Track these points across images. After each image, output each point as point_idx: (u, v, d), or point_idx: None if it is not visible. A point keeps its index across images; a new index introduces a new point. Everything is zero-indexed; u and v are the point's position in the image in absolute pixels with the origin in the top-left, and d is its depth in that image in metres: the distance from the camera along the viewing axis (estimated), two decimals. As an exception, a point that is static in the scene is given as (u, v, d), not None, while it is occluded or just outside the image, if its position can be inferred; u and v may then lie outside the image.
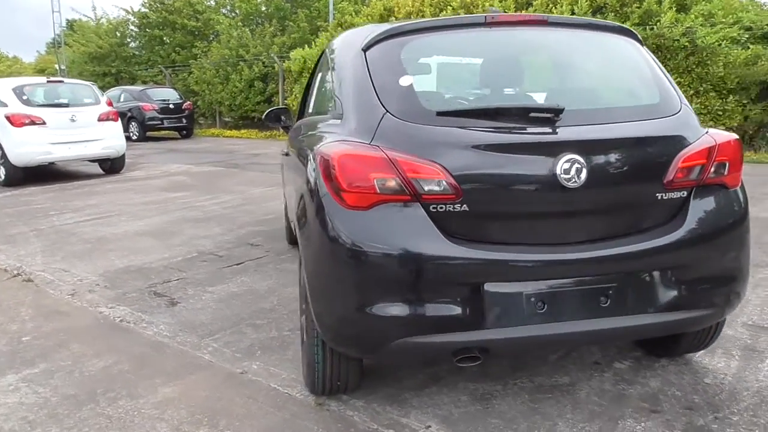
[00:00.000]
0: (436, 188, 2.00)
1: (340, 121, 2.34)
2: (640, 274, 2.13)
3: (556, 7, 13.53)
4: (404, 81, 2.21)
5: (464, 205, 2.01)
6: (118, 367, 2.87)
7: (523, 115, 2.11)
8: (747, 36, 11.13)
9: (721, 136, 2.29)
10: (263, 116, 4.37)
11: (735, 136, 2.33)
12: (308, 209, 2.25)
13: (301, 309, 2.71)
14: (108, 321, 3.47)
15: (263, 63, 19.10)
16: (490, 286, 2.03)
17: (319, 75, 3.12)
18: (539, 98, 2.32)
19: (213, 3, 25.42)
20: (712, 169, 2.22)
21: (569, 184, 2.01)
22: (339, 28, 18.60)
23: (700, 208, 2.20)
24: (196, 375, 2.77)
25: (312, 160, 2.31)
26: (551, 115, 2.09)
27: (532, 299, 2.05)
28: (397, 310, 2.02)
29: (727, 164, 2.25)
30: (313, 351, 2.29)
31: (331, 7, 20.01)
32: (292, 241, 4.97)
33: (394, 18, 17.29)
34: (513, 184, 2.05)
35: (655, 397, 2.47)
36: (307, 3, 21.52)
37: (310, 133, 2.77)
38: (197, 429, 2.33)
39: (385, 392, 2.55)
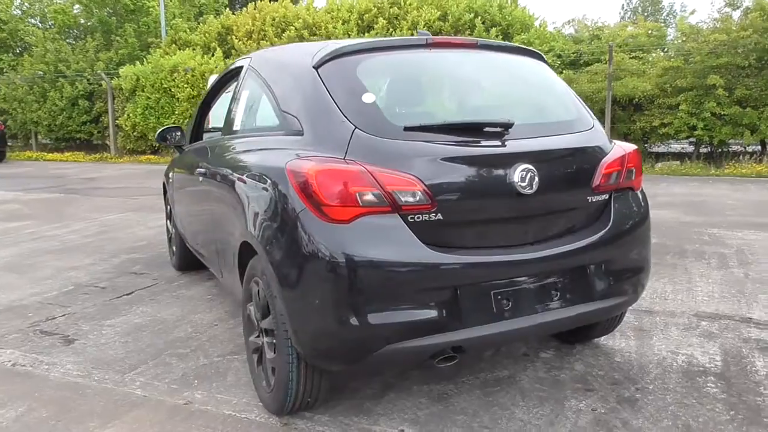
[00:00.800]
0: (413, 199, 2.10)
1: (299, 137, 2.36)
2: (580, 269, 2.41)
3: (396, 31, 14.27)
4: (367, 98, 2.29)
5: (438, 214, 2.14)
6: (35, 415, 2.57)
7: (480, 129, 2.29)
8: (559, 62, 12.62)
9: (626, 146, 2.67)
10: (156, 136, 4.13)
11: (635, 146, 2.73)
12: (278, 226, 2.23)
13: (251, 330, 2.65)
14: (-1, 367, 3.07)
15: (88, 80, 17.72)
16: (464, 289, 2.17)
17: (244, 92, 3.06)
18: (485, 114, 2.53)
19: (19, 12, 23.07)
20: (625, 175, 2.57)
21: (525, 190, 2.23)
22: (173, 45, 17.93)
23: (619, 208, 2.55)
24: (135, 412, 2.57)
25: (274, 177, 2.30)
26: (503, 129, 2.30)
27: (500, 298, 2.23)
28: (383, 318, 2.08)
29: (634, 170, 2.63)
30: (288, 368, 2.26)
31: (163, 23, 19.18)
32: (181, 266, 4.74)
33: (232, 37, 17.04)
34: (478, 193, 2.22)
35: (584, 379, 2.77)
36: (133, 17, 20.37)
37: (249, 150, 2.73)
38: (162, 466, 2.18)
39: (346, 404, 2.57)
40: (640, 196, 2.69)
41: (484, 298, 2.21)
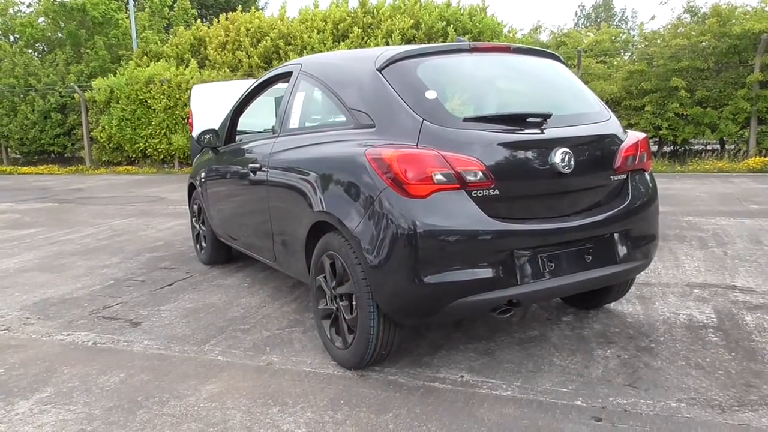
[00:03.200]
0: (476, 177, 2.55)
1: (370, 130, 2.78)
2: (607, 237, 2.88)
3: (371, 40, 14.75)
4: (430, 95, 2.73)
5: (496, 190, 2.58)
6: (138, 378, 2.91)
7: (524, 119, 2.75)
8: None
9: (638, 135, 3.17)
10: (196, 138, 4.49)
11: (645, 134, 3.22)
12: (361, 204, 2.64)
13: (321, 298, 3.05)
14: (80, 346, 3.39)
15: (60, 93, 17.68)
16: (517, 252, 2.62)
17: (299, 94, 3.46)
18: (525, 107, 2.99)
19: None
20: (639, 158, 3.07)
21: (564, 170, 2.70)
22: (144, 57, 18.02)
23: (635, 186, 3.03)
24: (227, 372, 2.93)
25: (353, 163, 2.72)
26: (542, 119, 2.77)
27: (545, 260, 2.69)
28: (453, 276, 2.51)
29: (645, 154, 3.13)
30: (369, 324, 2.66)
31: (134, 35, 19.27)
32: (211, 261, 5.08)
33: (206, 48, 17.25)
34: (526, 171, 2.68)
35: (604, 334, 3.25)
36: (102, 30, 20.36)
37: (316, 143, 3.12)
38: (269, 409, 2.56)
39: (405, 360, 2.98)
40: (650, 177, 3.18)
41: (534, 260, 2.66)
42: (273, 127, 3.70)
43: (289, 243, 3.41)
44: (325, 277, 3.01)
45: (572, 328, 3.35)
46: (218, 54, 16.57)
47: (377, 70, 2.88)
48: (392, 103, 2.74)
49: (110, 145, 16.55)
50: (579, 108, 3.09)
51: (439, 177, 2.50)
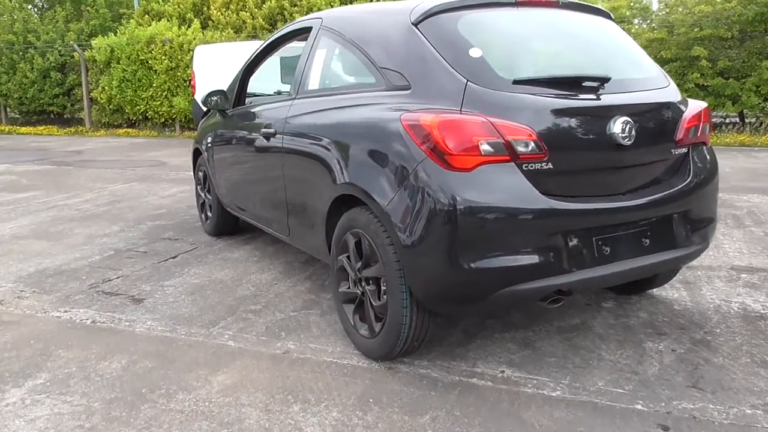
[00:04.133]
0: (528, 148, 2.22)
1: (405, 92, 2.44)
2: (666, 218, 2.57)
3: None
4: (474, 52, 2.38)
5: (549, 163, 2.26)
6: (141, 366, 2.63)
7: (579, 83, 2.41)
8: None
9: (700, 104, 2.83)
10: (203, 99, 4.14)
11: (705, 104, 2.88)
12: (394, 177, 2.32)
13: (343, 281, 2.75)
14: (78, 324, 3.10)
15: (59, 51, 17.17)
16: (571, 235, 2.30)
17: (319, 52, 3.11)
18: (579, 68, 2.63)
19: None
20: (701, 130, 2.73)
21: (624, 141, 2.37)
22: (146, 16, 17.46)
23: (696, 161, 2.71)
24: (239, 361, 2.65)
25: (385, 130, 2.39)
26: (600, 84, 2.43)
27: (600, 243, 2.38)
28: (501, 262, 2.21)
29: (707, 126, 2.79)
30: (402, 312, 2.37)
31: (136, -8, 18.65)
32: (217, 232, 4.78)
33: (209, 8, 16.69)
34: (582, 143, 2.35)
35: (653, 324, 2.96)
36: (104, -13, 19.71)
37: (340, 107, 2.78)
38: (289, 407, 2.28)
39: (437, 351, 2.70)
40: (710, 152, 2.85)
41: (588, 244, 2.35)
42: (289, 88, 3.35)
43: (307, 217, 3.10)
44: (348, 257, 2.70)
45: (616, 316, 3.06)
46: (222, 14, 16.02)
47: (412, 24, 2.53)
48: (431, 61, 2.40)
49: (110, 106, 16.12)
50: (636, 72, 2.75)
51: (486, 147, 2.18)
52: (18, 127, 17.05)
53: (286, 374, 2.52)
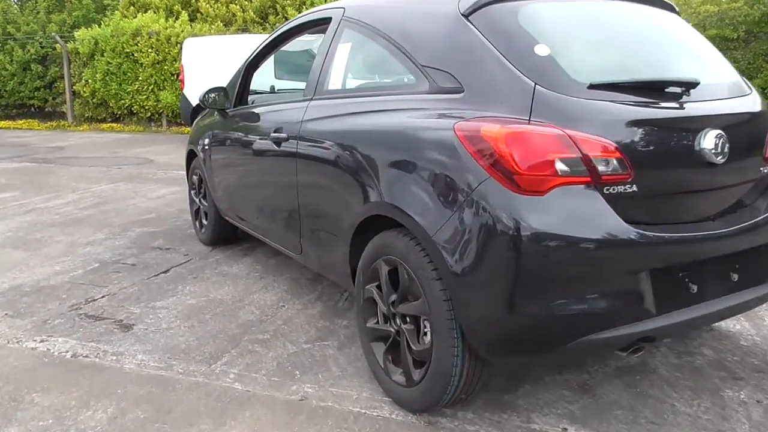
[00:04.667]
0: (612, 168, 1.83)
1: (456, 96, 2.04)
2: (758, 247, 2.19)
3: None
4: (541, 50, 1.98)
5: (634, 186, 1.87)
6: (131, 416, 2.21)
7: (662, 88, 2.03)
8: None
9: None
10: (200, 98, 3.70)
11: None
12: (444, 198, 1.92)
13: (372, 315, 2.35)
14: (56, 358, 2.67)
15: (40, 43, 16.52)
16: (658, 271, 1.92)
17: (342, 47, 2.69)
18: (660, 71, 2.22)
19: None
20: (788, 144, 2.36)
21: (717, 159, 1.99)
22: (131, 8, 16.88)
23: (786, 181, 2.33)
24: (249, 411, 2.23)
25: (431, 141, 1.99)
26: (685, 90, 2.05)
27: (687, 280, 2.00)
28: (578, 305, 1.82)
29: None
30: (451, 361, 1.97)
31: (121, -17, 18.02)
32: (213, 241, 4.35)
33: (197, 0, 16.13)
34: (670, 161, 1.97)
35: (723, 365, 2.59)
36: (87, -24, 19.07)
37: (370, 111, 2.37)
38: (315, 476, 1.88)
39: (482, 400, 2.30)
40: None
41: (675, 281, 1.97)
42: (305, 88, 2.93)
43: (325, 236, 2.69)
44: (379, 287, 2.30)
45: (677, 354, 2.68)
46: (211, 6, 15.50)
47: (462, 15, 2.12)
48: (489, 60, 2.00)
49: (94, 100, 15.52)
50: (717, 76, 2.37)
51: (562, 166, 1.78)
52: (-4, 121, 16.39)
53: (305, 429, 2.11)
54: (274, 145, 2.99)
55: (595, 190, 1.81)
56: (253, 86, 3.83)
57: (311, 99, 2.81)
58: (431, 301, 1.99)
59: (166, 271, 3.84)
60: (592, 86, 1.92)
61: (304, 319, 3.06)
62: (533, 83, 1.90)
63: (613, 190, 1.84)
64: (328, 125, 2.59)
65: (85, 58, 15.51)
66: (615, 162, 1.83)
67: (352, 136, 2.40)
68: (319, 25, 3.00)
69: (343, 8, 2.79)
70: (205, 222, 4.37)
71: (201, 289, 3.50)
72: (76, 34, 15.69)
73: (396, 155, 2.13)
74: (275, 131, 3.00)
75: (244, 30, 14.36)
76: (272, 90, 7.08)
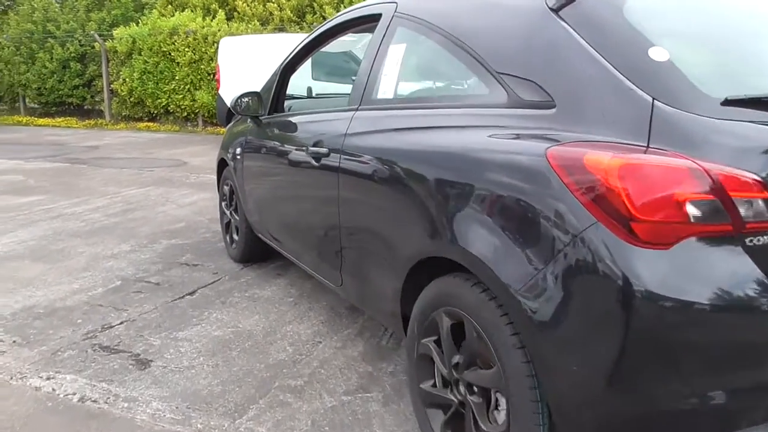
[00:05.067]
0: (757, 212, 1.39)
1: (545, 111, 1.62)
2: None
3: None
4: (657, 54, 1.55)
5: (781, 234, 1.43)
6: (139, 489, 1.85)
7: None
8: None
9: None
10: (232, 103, 3.35)
11: None
12: (535, 245, 1.50)
13: (428, 376, 1.94)
14: (61, 403, 2.33)
15: (79, 41, 16.54)
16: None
17: (395, 48, 2.29)
18: None
19: (3, -33, 21.61)
20: None
21: None
22: (169, 6, 16.78)
23: None
24: (278, 487, 1.86)
25: (512, 170, 1.58)
26: None
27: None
28: (719, 391, 1.38)
29: None
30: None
31: (160, -19, 17.96)
32: (244, 258, 3.99)
33: (236, -2, 15.94)
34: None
35: None
36: (127, -25, 19.09)
37: (430, 127, 1.97)
38: None
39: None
40: None
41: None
42: (350, 94, 2.54)
43: (372, 272, 2.30)
44: (438, 343, 1.90)
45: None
46: (248, 5, 15.28)
47: (551, 9, 1.70)
48: (590, 66, 1.57)
49: (131, 99, 15.48)
50: None
51: (695, 210, 1.35)
52: (36, 118, 16.48)
53: None
54: (313, 160, 2.61)
55: (736, 242, 1.37)
56: (289, 90, 3.47)
57: (357, 109, 2.42)
58: (509, 373, 1.58)
59: (192, 293, 3.49)
60: (727, 102, 1.48)
61: (343, 362, 2.67)
62: (651, 98, 1.46)
63: (758, 241, 1.40)
64: (378, 141, 2.18)
65: (122, 57, 15.47)
66: (761, 204, 1.39)
67: (409, 156, 1.99)
68: (366, 22, 2.62)
69: (396, 2, 2.39)
70: (236, 237, 4.03)
71: (229, 317, 3.14)
72: (115, 32, 15.66)
73: (467, 185, 1.72)
74: (314, 144, 2.62)
75: (281, 29, 14.10)
76: (309, 92, 6.76)
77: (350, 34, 3.14)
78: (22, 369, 2.59)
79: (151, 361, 2.66)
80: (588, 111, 1.55)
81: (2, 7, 20.98)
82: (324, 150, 2.52)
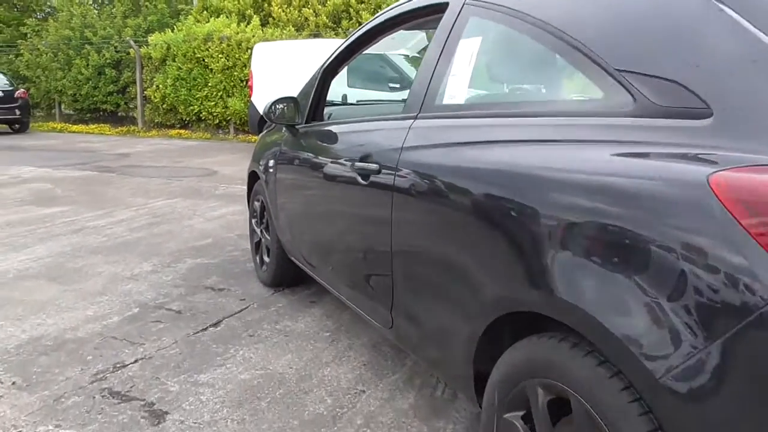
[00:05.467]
0: None
1: (702, 122, 1.16)
2: None
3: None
4: None
5: None
6: None
7: None
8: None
9: None
10: (265, 110, 2.95)
11: None
12: (690, 311, 1.05)
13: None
14: (57, 469, 1.94)
15: (115, 48, 16.51)
16: None
17: (467, 44, 1.86)
18: None
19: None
20: None
21: None
22: (204, 12, 16.67)
23: None
24: None
25: (659, 201, 1.12)
26: None
27: None
28: None
29: None
30: None
31: (195, -13, 17.91)
32: (275, 283, 3.59)
33: (269, 4, 15.73)
34: None
35: None
36: (163, -18, 19.09)
37: (531, 140, 1.52)
38: None
39: None
40: None
41: None
42: (406, 100, 2.11)
43: (434, 317, 1.86)
44: (527, 420, 1.45)
45: None
46: (283, 11, 15.05)
47: (715, -7, 1.25)
48: (763, 62, 1.12)
49: (164, 106, 15.36)
50: None
51: None
52: (70, 125, 16.51)
53: None
54: (360, 178, 2.19)
55: None
56: (330, 96, 3.07)
57: (416, 117, 1.99)
58: None
59: (216, 324, 3.10)
60: None
61: (392, 418, 2.23)
62: None
63: None
64: (447, 157, 1.74)
65: (157, 63, 15.38)
66: None
67: (490, 178, 1.55)
68: (427, 15, 2.20)
69: (468, -10, 1.95)
70: (266, 259, 3.63)
71: (258, 356, 2.73)
72: (149, 38, 15.58)
73: (582, 220, 1.27)
74: (362, 159, 2.20)
75: (316, 35, 13.82)
76: (344, 100, 6.36)
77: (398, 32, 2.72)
78: (17, 421, 2.21)
79: (167, 413, 2.26)
80: (762, 122, 1.09)
81: (42, 15, 21.24)
82: (373, 166, 2.09)
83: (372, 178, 2.12)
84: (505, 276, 1.46)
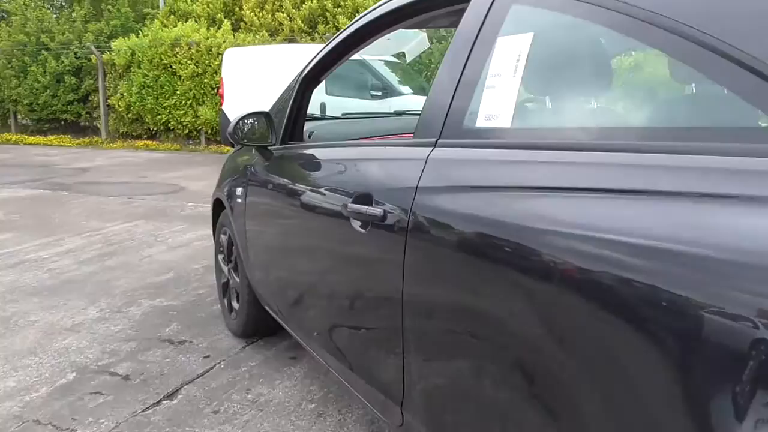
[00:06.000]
0: None
1: None
2: None
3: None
4: None
5: None
6: None
7: None
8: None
9: None
10: (231, 129, 2.35)
11: None
12: None
13: None
14: None
15: (75, 54, 15.67)
16: None
17: (504, 43, 1.29)
18: None
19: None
20: None
21: None
22: (171, 17, 15.96)
23: None
24: None
25: None
26: None
27: None
28: None
29: None
30: None
31: (161, -9, 17.17)
32: (246, 333, 2.99)
33: (240, 8, 15.07)
34: None
35: None
36: (127, -16, 18.28)
37: (646, 189, 0.94)
38: None
39: None
40: None
41: None
42: (419, 122, 1.53)
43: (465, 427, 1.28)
44: None
45: None
46: (255, 15, 14.40)
47: None
48: None
49: (129, 115, 14.57)
50: None
51: None
52: (26, 136, 15.58)
53: None
54: (358, 226, 1.60)
55: None
56: (310, 110, 2.49)
57: (435, 144, 1.41)
58: None
59: (172, 395, 2.48)
60: None
61: None
62: None
63: None
64: (495, 208, 1.16)
65: (121, 70, 14.62)
66: None
67: (582, 255, 0.97)
68: (443, 5, 1.62)
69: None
70: (235, 305, 3.01)
71: (223, 444, 2.12)
72: (113, 44, 14.80)
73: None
74: (356, 200, 1.61)
75: (291, 40, 13.20)
76: (323, 110, 5.74)
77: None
78: None
79: None
80: None
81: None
82: (377, 211, 1.51)
83: (373, 228, 1.54)
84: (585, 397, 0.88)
